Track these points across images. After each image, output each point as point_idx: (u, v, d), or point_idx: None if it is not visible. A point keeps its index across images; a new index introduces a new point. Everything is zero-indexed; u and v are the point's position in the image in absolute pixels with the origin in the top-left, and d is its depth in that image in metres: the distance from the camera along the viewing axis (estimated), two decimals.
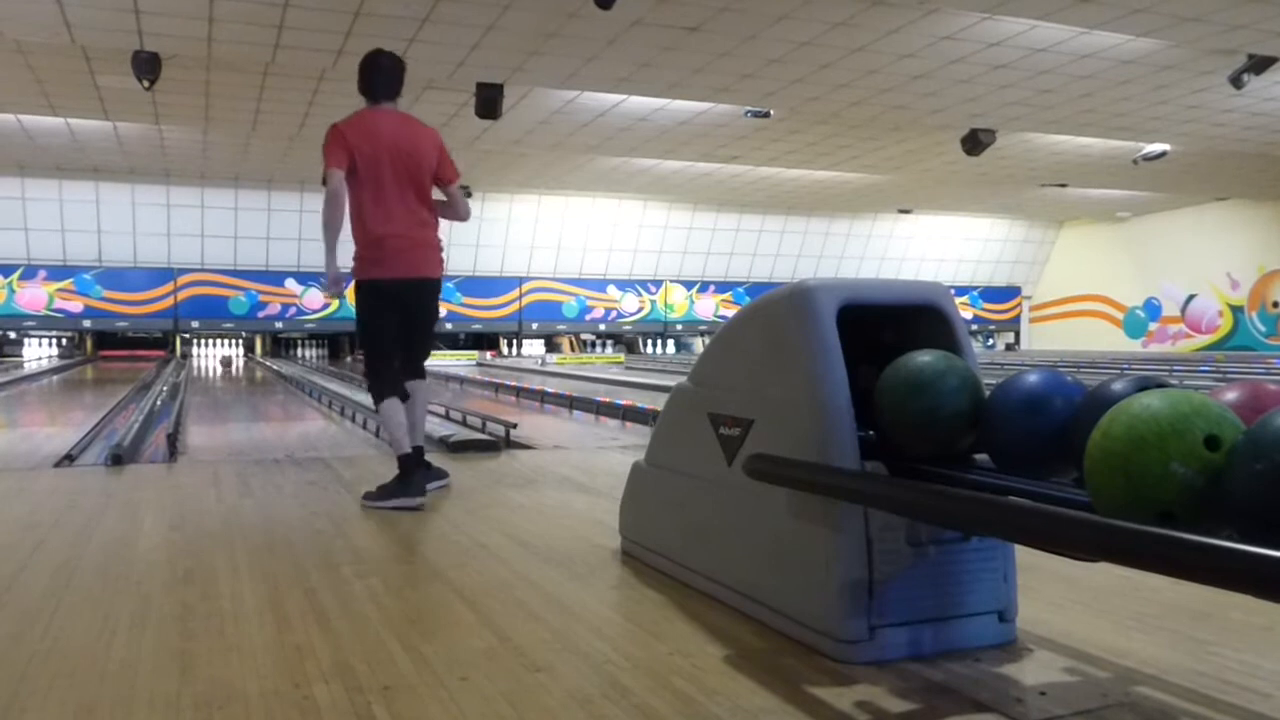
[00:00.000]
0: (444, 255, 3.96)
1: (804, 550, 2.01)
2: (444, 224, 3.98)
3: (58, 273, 18.94)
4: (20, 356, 19.44)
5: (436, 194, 3.93)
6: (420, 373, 4.01)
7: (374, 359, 3.89)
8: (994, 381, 2.00)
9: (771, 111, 12.34)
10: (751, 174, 17.70)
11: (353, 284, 3.85)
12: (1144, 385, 1.62)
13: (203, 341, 20.80)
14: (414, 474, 3.67)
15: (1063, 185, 18.51)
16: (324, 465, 4.80)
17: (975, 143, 13.10)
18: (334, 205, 3.66)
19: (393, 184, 3.72)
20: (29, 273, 18.79)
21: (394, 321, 3.85)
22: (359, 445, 6.21)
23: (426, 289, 3.87)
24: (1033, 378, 1.84)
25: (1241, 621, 2.17)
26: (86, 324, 19.39)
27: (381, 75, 3.85)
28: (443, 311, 4.13)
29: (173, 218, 19.09)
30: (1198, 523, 1.33)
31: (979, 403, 1.91)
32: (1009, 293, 26.32)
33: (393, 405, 3.80)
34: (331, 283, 3.79)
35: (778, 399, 2.14)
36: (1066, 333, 25.17)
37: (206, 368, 17.62)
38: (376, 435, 6.58)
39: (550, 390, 10.26)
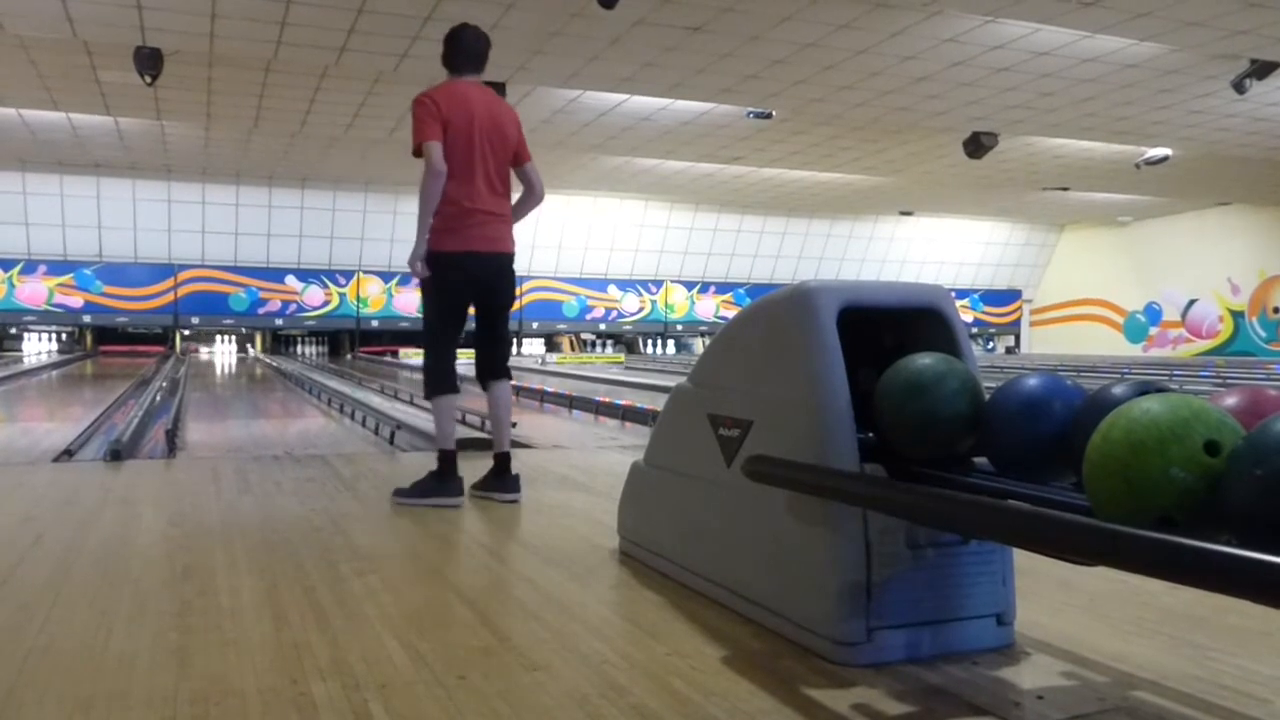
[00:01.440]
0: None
1: (803, 552, 2.01)
2: None
3: (58, 268, 18.93)
4: (20, 351, 19.45)
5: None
6: (505, 371, 3.87)
7: (435, 345, 3.77)
8: (994, 385, 2.00)
9: (774, 112, 12.35)
10: (753, 175, 17.69)
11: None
12: (1144, 390, 1.62)
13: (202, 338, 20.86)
14: (454, 472, 3.60)
15: (1064, 189, 18.51)
16: (323, 462, 4.79)
17: (977, 145, 13.11)
18: (436, 180, 3.53)
19: (479, 157, 3.64)
20: (29, 268, 18.78)
21: (464, 302, 3.75)
22: (358, 443, 6.21)
23: (503, 263, 3.76)
24: (1032, 381, 1.84)
25: (1239, 626, 2.17)
26: (86, 319, 19.39)
27: (466, 46, 3.75)
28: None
29: (174, 213, 19.09)
30: (1197, 527, 1.33)
31: (979, 406, 1.91)
32: (1009, 296, 26.32)
33: (447, 401, 3.71)
34: (416, 259, 3.62)
35: (778, 400, 2.14)
36: (1067, 336, 25.17)
37: (205, 364, 17.62)
38: (375, 433, 6.58)
39: (550, 390, 10.27)
